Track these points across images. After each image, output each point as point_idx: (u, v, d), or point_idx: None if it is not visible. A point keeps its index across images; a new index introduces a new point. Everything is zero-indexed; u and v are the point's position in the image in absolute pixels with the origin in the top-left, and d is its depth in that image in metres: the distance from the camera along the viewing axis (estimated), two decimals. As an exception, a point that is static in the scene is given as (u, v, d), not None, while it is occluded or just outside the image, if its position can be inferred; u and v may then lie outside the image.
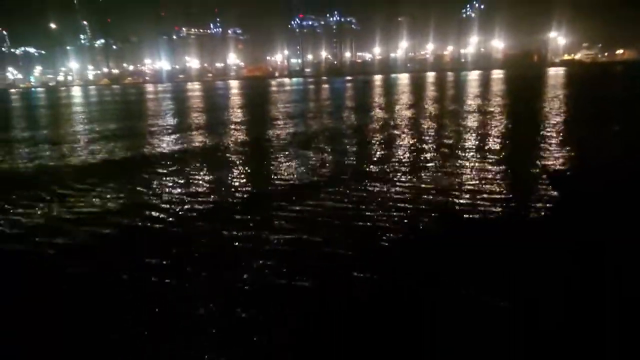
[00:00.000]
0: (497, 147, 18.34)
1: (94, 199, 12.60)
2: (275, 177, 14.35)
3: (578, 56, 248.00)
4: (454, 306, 6.55)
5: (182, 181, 14.35)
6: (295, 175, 14.48)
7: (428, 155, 16.94)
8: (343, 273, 7.63)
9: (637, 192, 11.84)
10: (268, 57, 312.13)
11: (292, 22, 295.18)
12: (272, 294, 7.04)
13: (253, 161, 17.69)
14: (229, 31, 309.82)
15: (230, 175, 15.02)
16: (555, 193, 11.83)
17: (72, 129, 31.20)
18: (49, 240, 9.57)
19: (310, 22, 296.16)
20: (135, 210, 11.31)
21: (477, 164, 15.16)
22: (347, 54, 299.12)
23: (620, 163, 15.45)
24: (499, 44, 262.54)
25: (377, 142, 20.68)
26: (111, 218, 10.89)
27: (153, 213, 11.11)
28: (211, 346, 5.75)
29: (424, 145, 19.18)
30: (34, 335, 6.24)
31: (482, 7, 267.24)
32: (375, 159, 16.80)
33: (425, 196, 11.76)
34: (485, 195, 11.70)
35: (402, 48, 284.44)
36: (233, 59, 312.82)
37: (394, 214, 10.39)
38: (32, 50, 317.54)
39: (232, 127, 28.04)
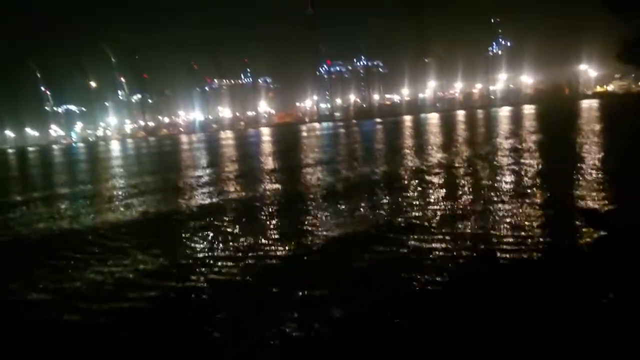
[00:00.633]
0: (534, 187, 17.93)
1: (137, 261, 12.48)
2: (314, 233, 13.96)
3: (611, 87, 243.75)
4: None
5: (219, 239, 14.05)
6: (333, 230, 13.95)
7: (465, 200, 16.67)
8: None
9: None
10: (298, 103, 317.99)
11: (320, 69, 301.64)
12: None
13: (288, 216, 16.97)
14: (259, 80, 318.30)
15: (267, 232, 14.88)
16: (592, 230, 11.60)
17: (110, 184, 32.04)
18: (92, 306, 9.55)
19: (337, 68, 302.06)
20: (172, 274, 11.12)
21: (513, 206, 14.83)
22: (376, 97, 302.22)
23: None
24: (528, 79, 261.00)
25: (412, 190, 20.52)
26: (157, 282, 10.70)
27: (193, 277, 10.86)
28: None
29: (460, 190, 18.91)
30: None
31: (509, 43, 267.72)
32: (412, 207, 16.58)
33: (466, 241, 11.62)
34: (523, 236, 11.58)
35: (430, 88, 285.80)
36: (264, 106, 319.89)
37: (437, 261, 10.18)
38: (73, 107, 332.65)
39: (265, 177, 28.14)
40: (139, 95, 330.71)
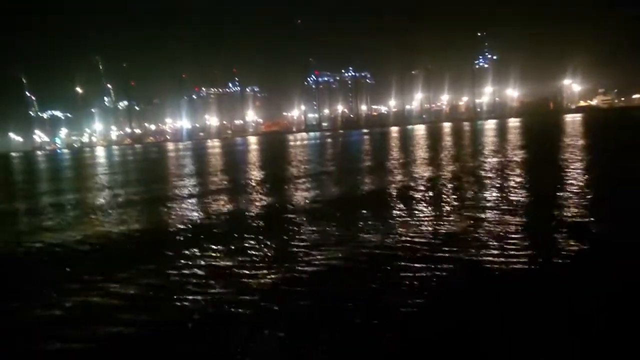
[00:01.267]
0: (518, 201, 17.93)
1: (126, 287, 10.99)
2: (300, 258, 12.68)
3: (594, 102, 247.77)
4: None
5: (205, 260, 12.70)
6: (325, 253, 12.52)
7: (450, 213, 16.59)
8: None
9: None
10: (285, 113, 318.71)
11: (309, 79, 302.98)
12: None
13: (272, 233, 15.23)
14: (247, 89, 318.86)
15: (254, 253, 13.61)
16: (574, 243, 11.65)
17: (94, 194, 31.37)
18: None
19: (326, 78, 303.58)
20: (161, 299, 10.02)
21: (498, 219, 14.80)
22: (363, 107, 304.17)
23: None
24: (513, 93, 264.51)
25: (398, 205, 20.44)
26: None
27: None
28: None
29: (444, 204, 18.87)
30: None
31: (495, 57, 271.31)
32: (398, 223, 16.47)
33: (449, 252, 11.58)
34: (506, 248, 11.56)
35: (417, 100, 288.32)
36: (251, 115, 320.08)
37: (420, 277, 10.04)
38: (58, 113, 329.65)
39: (251, 190, 27.32)
40: (126, 103, 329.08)
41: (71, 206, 25.38)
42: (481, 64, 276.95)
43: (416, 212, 16.86)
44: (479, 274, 10.31)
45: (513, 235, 12.76)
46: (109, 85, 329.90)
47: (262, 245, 13.55)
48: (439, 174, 27.37)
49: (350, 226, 15.02)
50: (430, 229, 14.18)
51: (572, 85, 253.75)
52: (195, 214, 20.25)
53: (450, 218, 15.49)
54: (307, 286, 9.93)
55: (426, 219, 15.61)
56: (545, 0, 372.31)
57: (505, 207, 16.53)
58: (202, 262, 12.16)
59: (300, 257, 12.04)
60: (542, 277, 9.85)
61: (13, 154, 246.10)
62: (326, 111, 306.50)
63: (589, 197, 17.69)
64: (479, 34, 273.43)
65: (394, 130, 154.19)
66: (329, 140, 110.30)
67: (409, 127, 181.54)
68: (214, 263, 12.10)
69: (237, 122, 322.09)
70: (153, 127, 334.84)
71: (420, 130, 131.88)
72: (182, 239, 15.32)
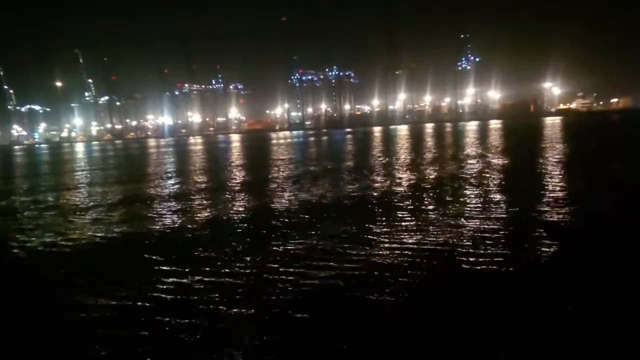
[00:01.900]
0: (496, 201, 18.04)
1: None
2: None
3: (574, 105, 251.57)
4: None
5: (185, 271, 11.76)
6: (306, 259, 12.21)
7: (429, 214, 16.61)
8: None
9: (632, 240, 11.93)
10: (268, 111, 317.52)
11: (292, 77, 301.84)
12: None
13: (256, 238, 14.48)
14: (231, 86, 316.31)
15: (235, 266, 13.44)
16: (550, 243, 11.92)
17: (64, 194, 30.81)
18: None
19: (310, 77, 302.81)
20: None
21: (475, 219, 14.88)
22: (347, 107, 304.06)
23: (617, 211, 15.36)
24: (495, 95, 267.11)
25: (378, 205, 20.42)
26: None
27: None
28: None
29: (425, 203, 18.90)
30: None
31: (477, 59, 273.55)
32: (378, 219, 16.44)
33: (427, 252, 11.66)
34: (483, 248, 11.76)
35: (400, 100, 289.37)
36: (234, 113, 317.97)
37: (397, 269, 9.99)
38: (37, 107, 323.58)
39: (234, 194, 26.74)
40: (107, 98, 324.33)
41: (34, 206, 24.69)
42: (464, 65, 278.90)
43: (394, 217, 16.83)
44: (450, 272, 10.46)
45: (489, 235, 12.94)
46: (89, 80, 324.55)
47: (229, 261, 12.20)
48: (420, 176, 27.47)
49: (330, 237, 13.71)
50: (409, 236, 14.15)
51: (552, 89, 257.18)
52: (166, 221, 18.89)
53: (430, 222, 15.50)
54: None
55: (405, 225, 15.58)
56: (527, 3, 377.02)
57: (482, 206, 16.66)
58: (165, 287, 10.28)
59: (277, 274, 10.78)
60: (515, 276, 9.98)
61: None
62: (310, 110, 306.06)
63: (566, 198, 17.93)
64: (462, 36, 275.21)
65: (377, 130, 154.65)
66: (312, 139, 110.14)
67: (392, 127, 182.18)
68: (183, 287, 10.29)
69: (220, 119, 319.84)
70: (134, 123, 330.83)
71: (403, 130, 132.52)
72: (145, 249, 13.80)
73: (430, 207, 17.79)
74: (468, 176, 25.68)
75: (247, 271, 11.11)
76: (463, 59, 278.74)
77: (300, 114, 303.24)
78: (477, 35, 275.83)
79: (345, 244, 12.84)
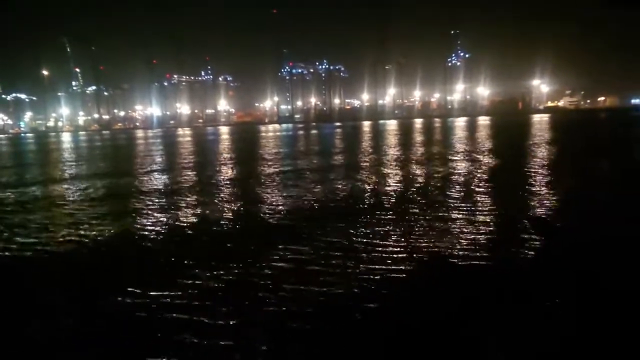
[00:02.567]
0: (483, 197, 18.07)
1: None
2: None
3: (562, 103, 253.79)
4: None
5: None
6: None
7: (416, 211, 16.57)
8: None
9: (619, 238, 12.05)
10: (258, 104, 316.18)
11: (282, 70, 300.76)
12: None
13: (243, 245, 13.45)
14: (220, 78, 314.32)
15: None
16: (537, 238, 12.05)
17: (54, 188, 30.39)
18: None
19: (299, 70, 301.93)
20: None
21: (462, 216, 14.90)
22: (336, 101, 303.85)
23: (603, 208, 15.56)
24: (484, 91, 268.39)
25: (368, 201, 20.38)
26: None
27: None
28: None
29: (412, 201, 18.89)
30: None
31: (467, 55, 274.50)
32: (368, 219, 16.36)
33: (415, 248, 11.68)
34: (472, 244, 11.80)
35: (389, 95, 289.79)
36: (223, 105, 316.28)
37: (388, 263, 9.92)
38: (23, 96, 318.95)
39: (222, 193, 26.53)
40: (94, 88, 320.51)
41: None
42: (453, 61, 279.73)
43: (379, 216, 16.78)
44: (437, 267, 10.52)
45: (476, 230, 13.01)
46: (76, 69, 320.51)
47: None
48: (409, 173, 27.47)
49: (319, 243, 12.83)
50: (397, 235, 14.09)
51: (540, 86, 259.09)
52: (145, 221, 18.06)
53: (416, 220, 15.46)
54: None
55: (393, 225, 15.53)
56: (517, 1, 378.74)
57: (469, 202, 16.71)
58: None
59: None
60: (502, 271, 10.11)
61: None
62: (299, 103, 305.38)
63: (553, 194, 18.07)
64: (452, 32, 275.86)
65: (366, 124, 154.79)
66: (301, 132, 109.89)
67: (381, 121, 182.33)
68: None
69: (209, 111, 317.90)
70: (122, 113, 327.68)
71: (392, 125, 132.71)
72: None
73: (416, 205, 17.74)
74: (455, 174, 25.71)
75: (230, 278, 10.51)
76: (453, 55, 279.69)
77: (289, 107, 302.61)
78: (467, 31, 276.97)
79: (333, 246, 12.69)
